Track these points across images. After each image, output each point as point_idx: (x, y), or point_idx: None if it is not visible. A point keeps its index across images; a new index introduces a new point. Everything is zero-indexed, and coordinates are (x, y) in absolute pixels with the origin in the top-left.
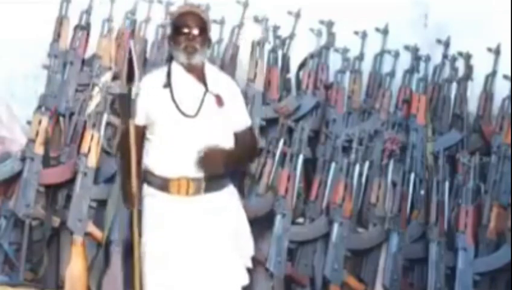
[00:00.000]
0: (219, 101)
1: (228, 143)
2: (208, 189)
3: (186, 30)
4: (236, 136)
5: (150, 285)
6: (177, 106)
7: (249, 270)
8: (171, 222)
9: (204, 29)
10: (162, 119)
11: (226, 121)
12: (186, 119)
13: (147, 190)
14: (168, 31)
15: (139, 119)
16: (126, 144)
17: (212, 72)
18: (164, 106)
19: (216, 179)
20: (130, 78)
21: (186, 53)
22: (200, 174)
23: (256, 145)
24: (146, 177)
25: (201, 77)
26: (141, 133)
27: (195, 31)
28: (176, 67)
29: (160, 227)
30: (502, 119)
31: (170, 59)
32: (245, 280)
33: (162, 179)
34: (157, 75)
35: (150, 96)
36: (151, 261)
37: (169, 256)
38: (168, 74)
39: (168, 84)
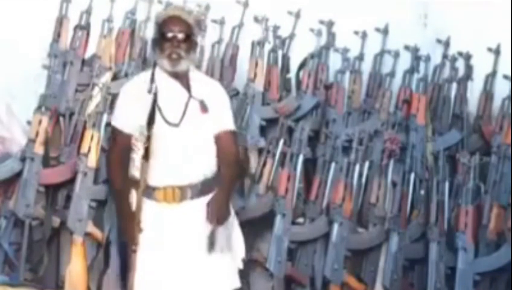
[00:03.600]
0: (203, 107)
1: (211, 151)
2: (195, 195)
3: (170, 35)
4: (216, 139)
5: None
6: (161, 114)
7: (248, 271)
8: (159, 228)
9: (189, 34)
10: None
11: (209, 127)
12: (169, 127)
13: (135, 197)
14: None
15: (125, 128)
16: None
17: (197, 77)
18: (147, 113)
19: (202, 184)
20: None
21: (170, 60)
22: (185, 182)
23: (235, 157)
24: (133, 185)
25: (185, 83)
26: (129, 143)
27: (180, 36)
28: (159, 72)
29: (147, 233)
30: (502, 119)
31: (154, 64)
32: (236, 283)
33: (148, 187)
34: (140, 81)
35: (134, 102)
36: (140, 265)
37: (157, 260)
38: (152, 79)
39: (151, 90)
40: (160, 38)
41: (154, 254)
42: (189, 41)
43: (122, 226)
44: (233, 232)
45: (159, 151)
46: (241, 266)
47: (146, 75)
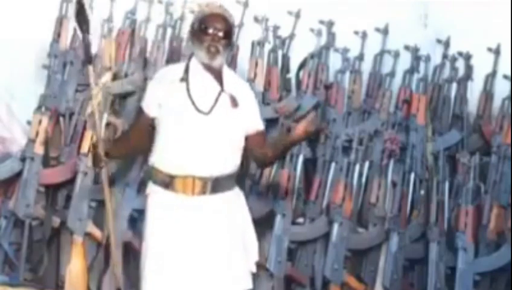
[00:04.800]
0: (233, 102)
1: (239, 144)
2: (214, 190)
3: (212, 31)
4: (248, 139)
5: (150, 286)
6: (192, 101)
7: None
8: (175, 222)
9: (229, 33)
10: (174, 113)
11: (238, 123)
12: (199, 115)
13: (151, 187)
14: (192, 27)
15: (150, 110)
16: None
17: (229, 74)
18: (178, 100)
19: (223, 179)
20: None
21: (208, 53)
22: (207, 173)
23: (265, 157)
24: (151, 174)
25: (218, 77)
26: (149, 125)
27: (221, 34)
28: (194, 64)
29: (162, 226)
30: (502, 119)
31: (190, 55)
32: (248, 284)
33: (167, 175)
34: (175, 69)
35: (165, 87)
36: (152, 261)
37: (171, 257)
38: (186, 69)
39: (185, 79)
40: (201, 32)
41: (168, 248)
42: (228, 39)
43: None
44: (248, 232)
45: (185, 137)
46: (254, 269)
47: (181, 65)
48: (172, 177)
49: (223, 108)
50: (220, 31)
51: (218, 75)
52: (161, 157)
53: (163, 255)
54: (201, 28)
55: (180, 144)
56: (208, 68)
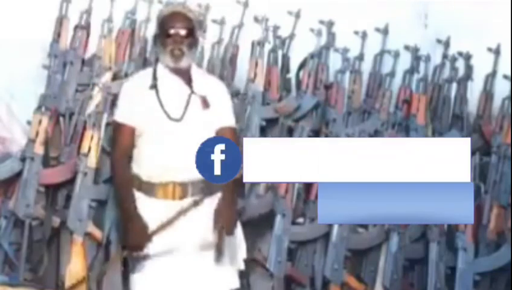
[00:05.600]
0: (204, 103)
1: None
2: (196, 192)
3: (172, 31)
4: (216, 135)
5: (136, 286)
6: (163, 110)
7: (248, 271)
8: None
9: (192, 30)
10: (147, 122)
11: (211, 124)
12: (171, 122)
13: (135, 193)
14: (154, 30)
15: (130, 120)
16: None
17: (198, 73)
18: (150, 108)
19: (204, 182)
20: None
21: (173, 56)
22: (186, 179)
23: None
24: (133, 181)
25: (187, 79)
26: (132, 137)
27: (183, 33)
28: (161, 68)
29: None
30: (502, 119)
31: (156, 60)
32: (235, 283)
33: (147, 183)
34: (143, 76)
35: (135, 97)
36: (140, 263)
37: (157, 258)
38: (154, 75)
39: (154, 86)
40: (162, 35)
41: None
42: (192, 37)
43: (126, 229)
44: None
45: (160, 145)
46: (242, 266)
47: (147, 71)
48: (152, 185)
49: (195, 111)
50: (181, 29)
51: (186, 77)
52: (139, 167)
53: (150, 257)
54: (162, 31)
55: (156, 153)
56: (175, 71)
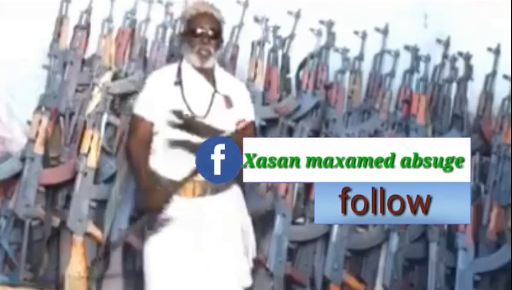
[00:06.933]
0: (228, 102)
1: None
2: (214, 190)
3: (200, 31)
4: (236, 128)
5: (153, 285)
6: (187, 106)
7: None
8: (177, 223)
9: (218, 31)
10: (171, 118)
11: (233, 123)
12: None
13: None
14: (181, 28)
15: (150, 115)
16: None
17: (221, 73)
18: (174, 105)
19: None
20: None
21: (200, 56)
22: None
23: None
24: (153, 178)
25: (210, 78)
26: (150, 132)
27: (210, 33)
28: (186, 66)
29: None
30: (502, 119)
31: (181, 57)
32: (248, 281)
33: (168, 181)
34: (167, 72)
35: (159, 93)
36: (155, 261)
37: (174, 256)
38: (179, 72)
39: (178, 82)
40: (190, 34)
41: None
42: (218, 38)
43: (144, 193)
44: (248, 230)
45: (184, 143)
46: (252, 264)
47: (173, 67)
48: (173, 182)
49: (218, 109)
50: (209, 30)
51: (210, 76)
52: (160, 163)
53: (167, 255)
54: (189, 31)
55: (178, 150)
56: (200, 70)
